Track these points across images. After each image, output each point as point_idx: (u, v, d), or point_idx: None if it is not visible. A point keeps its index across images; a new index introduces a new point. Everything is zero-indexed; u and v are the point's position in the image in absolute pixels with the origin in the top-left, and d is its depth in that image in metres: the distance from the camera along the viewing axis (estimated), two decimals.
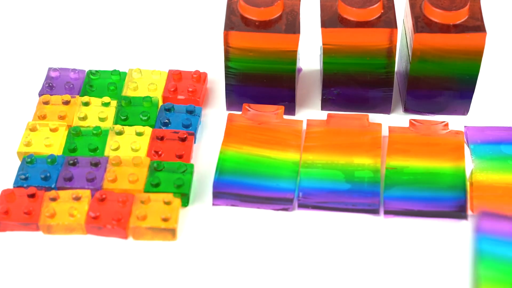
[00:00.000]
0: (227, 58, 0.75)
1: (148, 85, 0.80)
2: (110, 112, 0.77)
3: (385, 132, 0.77)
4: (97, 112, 0.77)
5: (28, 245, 0.68)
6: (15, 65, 0.85)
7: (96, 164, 0.72)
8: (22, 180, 0.71)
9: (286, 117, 0.78)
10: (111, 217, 0.68)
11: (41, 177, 0.71)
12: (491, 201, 0.70)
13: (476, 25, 0.72)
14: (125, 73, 0.81)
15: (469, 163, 0.73)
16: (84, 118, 0.76)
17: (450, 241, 0.68)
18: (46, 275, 0.66)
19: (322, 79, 0.77)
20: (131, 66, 0.83)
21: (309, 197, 0.70)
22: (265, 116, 0.77)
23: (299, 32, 0.73)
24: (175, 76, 0.80)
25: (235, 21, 0.73)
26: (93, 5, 0.92)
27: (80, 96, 0.79)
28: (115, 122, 0.77)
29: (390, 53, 0.74)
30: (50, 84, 0.80)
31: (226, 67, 0.76)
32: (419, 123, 0.76)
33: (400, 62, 0.80)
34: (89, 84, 0.80)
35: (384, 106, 0.79)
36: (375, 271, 0.66)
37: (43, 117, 0.76)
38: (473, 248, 0.60)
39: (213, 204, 0.71)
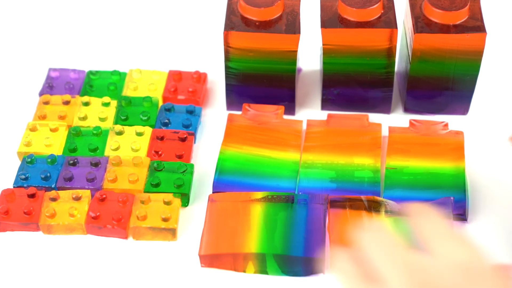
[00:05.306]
0: (227, 58, 0.75)
1: (148, 85, 0.80)
2: (110, 112, 0.77)
3: (385, 132, 0.77)
4: (97, 112, 0.77)
5: (28, 245, 0.68)
6: (15, 65, 0.85)
7: (96, 164, 0.72)
8: (22, 180, 0.71)
9: (286, 117, 0.78)
10: (111, 217, 0.68)
11: (41, 177, 0.71)
12: None
13: (476, 25, 0.72)
14: (125, 73, 0.81)
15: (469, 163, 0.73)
16: (84, 118, 0.76)
17: None
18: (46, 275, 0.66)
19: (322, 79, 0.77)
20: (131, 66, 0.83)
21: None
22: (265, 116, 0.77)
23: (299, 32, 0.73)
24: (175, 76, 0.80)
25: (235, 21, 0.73)
26: (93, 5, 0.92)
27: (80, 96, 0.79)
28: (115, 122, 0.77)
29: (390, 53, 0.74)
30: (50, 84, 0.80)
31: (226, 67, 0.76)
32: (419, 123, 0.76)
33: (400, 62, 0.80)
34: (89, 84, 0.80)
35: (384, 106, 0.79)
36: None
37: (43, 117, 0.76)
38: None
39: None
